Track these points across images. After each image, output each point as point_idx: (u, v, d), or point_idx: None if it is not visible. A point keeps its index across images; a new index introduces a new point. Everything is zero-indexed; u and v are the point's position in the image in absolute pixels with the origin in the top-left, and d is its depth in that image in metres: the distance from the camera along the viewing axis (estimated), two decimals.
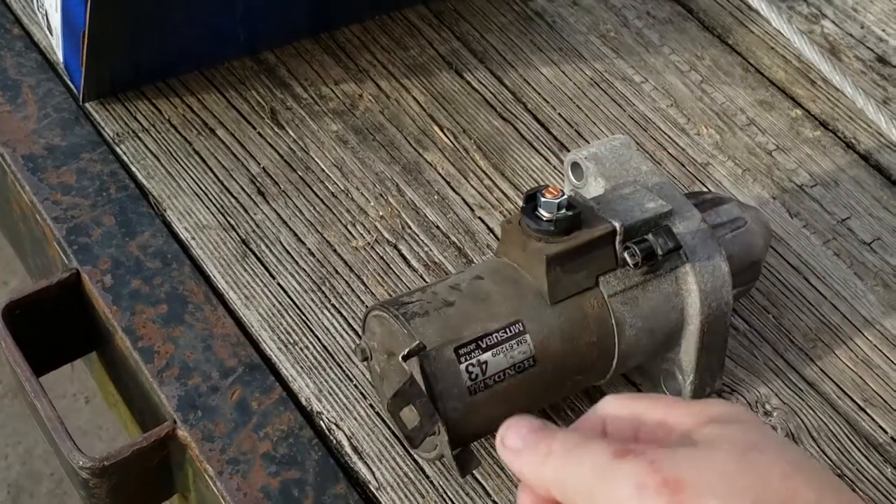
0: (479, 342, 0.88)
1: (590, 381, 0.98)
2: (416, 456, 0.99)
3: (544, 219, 0.91)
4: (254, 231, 1.16)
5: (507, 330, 0.90)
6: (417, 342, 0.85)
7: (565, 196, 0.92)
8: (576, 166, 1.03)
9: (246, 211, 1.17)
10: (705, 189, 1.23)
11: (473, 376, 0.88)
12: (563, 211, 0.91)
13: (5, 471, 2.27)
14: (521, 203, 0.96)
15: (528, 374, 0.90)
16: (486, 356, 0.89)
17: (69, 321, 1.11)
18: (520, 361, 0.90)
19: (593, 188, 1.01)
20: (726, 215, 1.03)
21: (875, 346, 1.11)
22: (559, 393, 0.98)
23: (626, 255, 0.93)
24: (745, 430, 0.66)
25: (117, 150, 1.22)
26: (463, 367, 0.88)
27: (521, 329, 0.90)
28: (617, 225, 0.93)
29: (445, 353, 0.87)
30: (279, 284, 1.11)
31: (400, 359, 0.85)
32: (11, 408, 2.37)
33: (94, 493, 0.99)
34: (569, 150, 1.25)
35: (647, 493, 0.62)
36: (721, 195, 1.06)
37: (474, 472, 0.95)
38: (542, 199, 0.91)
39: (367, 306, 1.09)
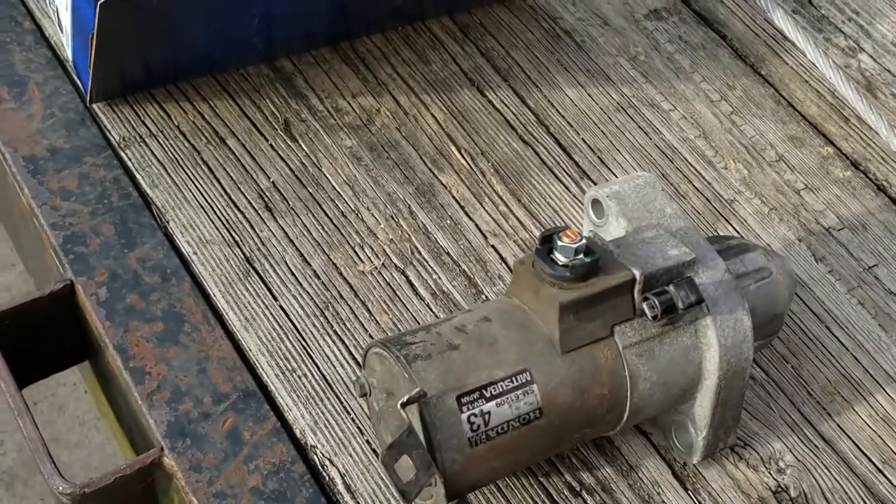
0: (483, 391, 0.84)
1: (598, 433, 0.94)
2: None
3: (560, 263, 0.87)
4: (259, 249, 1.11)
5: (514, 379, 0.85)
6: (418, 389, 0.81)
7: (583, 241, 0.87)
8: (596, 203, 0.98)
9: (252, 227, 1.13)
10: (730, 227, 1.18)
11: (475, 427, 0.84)
12: (581, 256, 0.87)
13: (0, 458, 2.24)
14: (536, 234, 0.91)
15: (534, 426, 0.86)
16: (490, 406, 0.84)
17: (62, 332, 1.08)
18: (525, 413, 0.85)
19: (614, 228, 0.97)
20: (751, 264, 0.98)
21: None
22: (565, 445, 0.94)
23: (644, 306, 0.88)
24: None
25: (122, 155, 1.18)
26: (465, 416, 0.83)
27: (529, 379, 0.86)
28: (637, 273, 0.88)
29: (447, 401, 0.83)
30: (281, 307, 1.07)
31: (399, 406, 0.81)
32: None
33: None
34: (590, 178, 1.21)
35: None
36: (747, 242, 1.02)
37: None
38: (559, 243, 0.86)
39: (370, 335, 1.05)
